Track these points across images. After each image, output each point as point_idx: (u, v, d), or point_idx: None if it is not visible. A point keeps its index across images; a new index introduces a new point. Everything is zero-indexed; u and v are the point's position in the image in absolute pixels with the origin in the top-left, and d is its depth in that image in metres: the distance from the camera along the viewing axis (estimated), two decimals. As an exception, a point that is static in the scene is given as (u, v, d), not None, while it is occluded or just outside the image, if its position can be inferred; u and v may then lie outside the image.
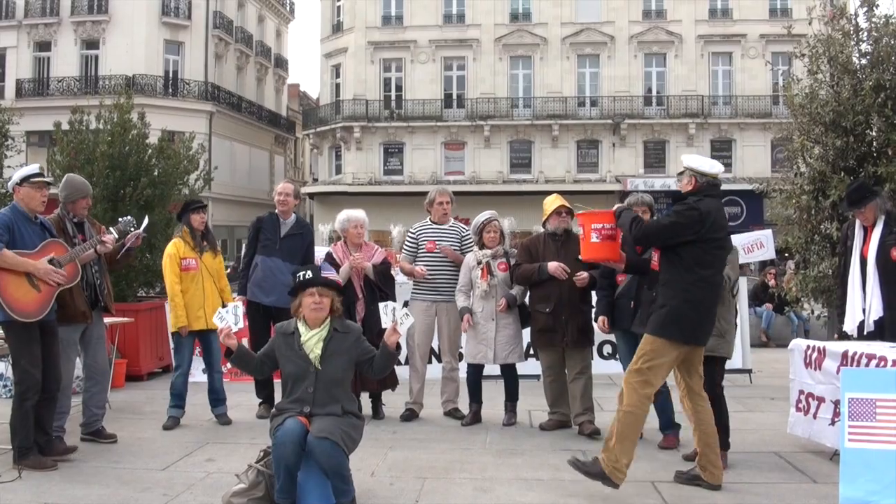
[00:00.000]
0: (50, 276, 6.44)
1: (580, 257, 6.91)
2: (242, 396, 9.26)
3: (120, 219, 7.60)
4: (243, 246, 10.06)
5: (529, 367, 9.05)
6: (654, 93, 39.90)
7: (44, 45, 39.65)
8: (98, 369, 7.56)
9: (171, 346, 9.22)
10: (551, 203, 7.94)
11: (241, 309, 5.65)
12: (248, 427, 8.11)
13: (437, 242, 8.53)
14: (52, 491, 5.94)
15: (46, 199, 6.77)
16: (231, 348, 5.51)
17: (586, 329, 7.85)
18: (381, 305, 5.63)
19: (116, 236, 7.25)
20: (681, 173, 6.22)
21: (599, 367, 10.27)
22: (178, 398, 8.25)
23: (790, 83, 11.02)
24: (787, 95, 11.05)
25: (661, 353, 5.83)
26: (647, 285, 6.70)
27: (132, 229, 7.52)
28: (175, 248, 8.29)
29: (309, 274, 5.51)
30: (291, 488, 5.10)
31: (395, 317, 5.49)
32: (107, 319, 7.99)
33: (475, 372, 8.34)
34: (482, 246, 8.24)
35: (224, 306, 8.27)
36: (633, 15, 39.40)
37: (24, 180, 6.61)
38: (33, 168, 6.84)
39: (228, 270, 10.67)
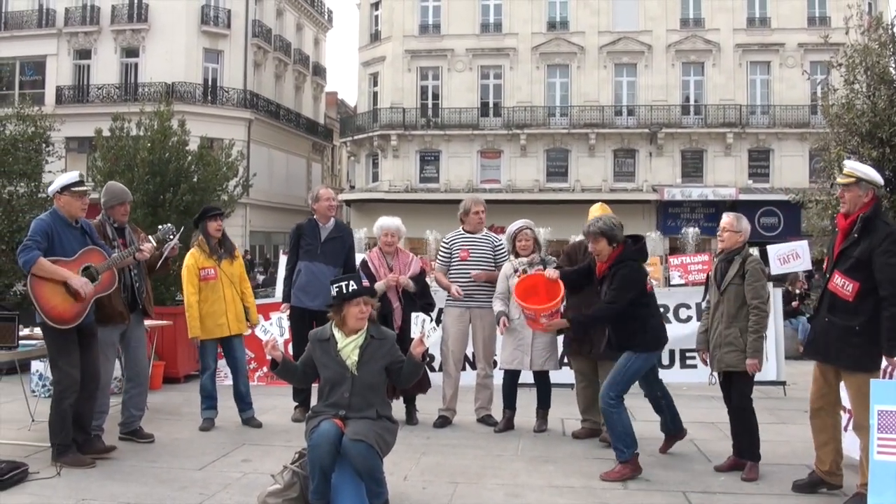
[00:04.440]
0: (85, 290, 6.52)
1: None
2: (277, 400, 9.37)
3: (159, 226, 7.73)
4: (280, 252, 10.13)
5: (563, 375, 9.07)
6: (691, 102, 39.68)
7: (84, 53, 40.22)
8: (138, 371, 7.71)
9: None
10: (594, 212, 7.95)
11: (285, 320, 5.69)
12: (284, 430, 8.21)
13: (470, 251, 8.57)
14: (91, 488, 6.08)
15: (87, 206, 6.89)
16: (276, 360, 5.58)
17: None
18: (413, 316, 5.69)
19: (155, 244, 7.37)
20: (852, 184, 5.79)
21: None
22: (210, 399, 8.38)
23: (827, 93, 10.98)
24: (824, 105, 11.00)
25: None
26: (828, 310, 5.97)
27: (171, 237, 7.63)
28: (193, 259, 8.33)
29: (353, 284, 5.57)
30: (326, 489, 5.17)
31: (423, 329, 5.54)
32: (146, 322, 8.13)
33: (511, 378, 8.38)
34: (517, 254, 8.30)
35: (248, 319, 8.48)
36: (670, 24, 39.27)
37: (65, 189, 6.74)
38: (73, 176, 6.93)
39: (264, 276, 10.80)
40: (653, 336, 6.87)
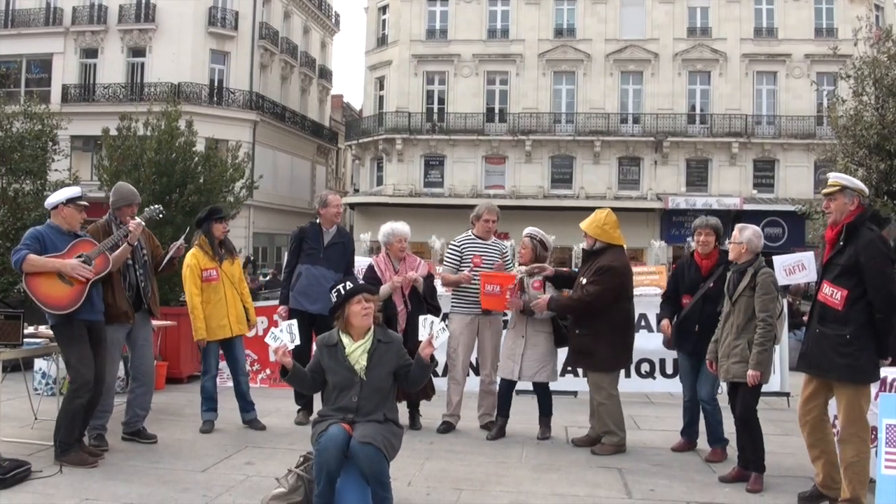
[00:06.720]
0: (77, 270, 6.56)
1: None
2: (281, 403, 9.36)
3: (146, 208, 7.75)
4: (283, 254, 10.11)
5: (565, 383, 9.06)
6: (697, 111, 39.71)
7: (90, 52, 40.23)
8: (144, 371, 7.72)
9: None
10: (597, 213, 7.97)
11: (295, 326, 5.64)
12: (287, 433, 8.20)
13: (482, 258, 8.54)
14: (93, 487, 6.07)
15: (85, 218, 6.99)
16: (287, 367, 5.53)
17: (584, 353, 7.78)
18: (421, 318, 5.64)
19: (143, 223, 7.35)
20: (834, 192, 5.88)
21: (636, 385, 10.28)
22: (210, 401, 8.37)
23: (834, 104, 10.98)
24: (832, 117, 11.01)
25: (865, 395, 5.83)
26: (818, 321, 5.99)
27: (159, 216, 7.78)
28: (195, 260, 8.28)
29: (349, 283, 5.57)
30: (331, 494, 5.14)
31: (431, 330, 5.51)
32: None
33: (507, 386, 8.34)
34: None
35: (249, 323, 8.48)
36: (677, 32, 39.31)
37: (70, 201, 6.79)
38: (76, 190, 7.01)
39: (268, 277, 10.76)
40: None
